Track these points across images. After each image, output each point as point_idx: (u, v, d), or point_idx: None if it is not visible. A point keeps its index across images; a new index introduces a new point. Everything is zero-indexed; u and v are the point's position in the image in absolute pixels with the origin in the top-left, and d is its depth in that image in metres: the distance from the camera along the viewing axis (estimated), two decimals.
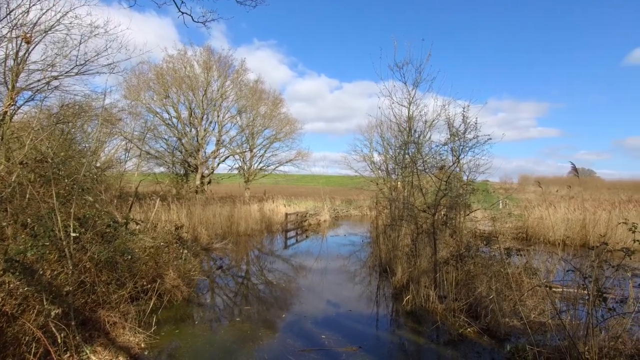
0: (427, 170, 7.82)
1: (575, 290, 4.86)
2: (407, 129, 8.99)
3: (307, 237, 14.64)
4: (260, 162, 23.18)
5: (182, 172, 20.50)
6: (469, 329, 5.09)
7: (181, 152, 19.92)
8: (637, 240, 3.89)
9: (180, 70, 18.87)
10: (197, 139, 19.80)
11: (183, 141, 19.64)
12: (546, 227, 12.33)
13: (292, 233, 15.21)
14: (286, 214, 15.61)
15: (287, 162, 23.56)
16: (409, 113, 8.90)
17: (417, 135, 8.75)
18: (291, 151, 23.45)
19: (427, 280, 6.50)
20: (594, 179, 40.36)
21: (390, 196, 10.56)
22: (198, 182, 19.50)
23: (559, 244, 9.12)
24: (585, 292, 4.15)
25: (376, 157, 18.48)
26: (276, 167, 23.61)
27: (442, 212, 7.82)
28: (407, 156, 8.99)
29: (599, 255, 4.16)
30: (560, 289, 5.71)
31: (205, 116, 20.08)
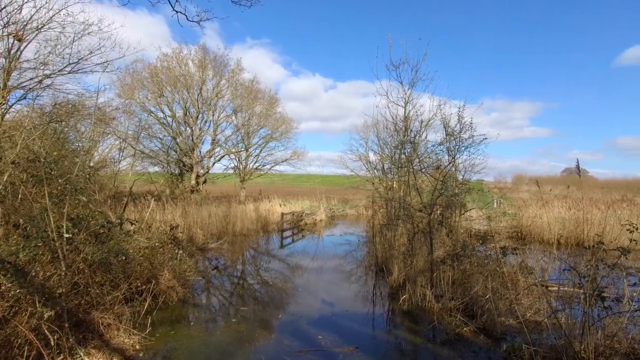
0: (423, 170, 7.84)
1: (572, 289, 4.90)
2: (404, 128, 9.01)
3: (303, 236, 14.61)
4: (256, 162, 23.09)
5: (177, 172, 20.35)
6: (465, 329, 5.10)
7: (176, 152, 19.78)
8: (634, 240, 3.91)
9: (175, 68, 18.72)
10: (192, 138, 19.67)
11: (178, 140, 19.49)
12: (540, 226, 12.42)
13: (288, 233, 15.17)
14: (282, 214, 15.56)
15: (282, 161, 23.52)
16: (405, 112, 8.92)
17: (413, 135, 8.76)
18: (287, 150, 23.41)
19: (423, 279, 6.51)
20: (587, 178, 40.80)
21: (386, 195, 10.57)
22: (193, 182, 19.37)
23: (553, 242, 9.20)
24: (581, 291, 4.18)
25: (372, 157, 18.53)
26: (272, 166, 23.54)
27: (438, 212, 7.85)
28: (403, 156, 9.00)
29: (595, 254, 4.18)
30: (555, 288, 5.75)
31: (200, 115, 19.95)
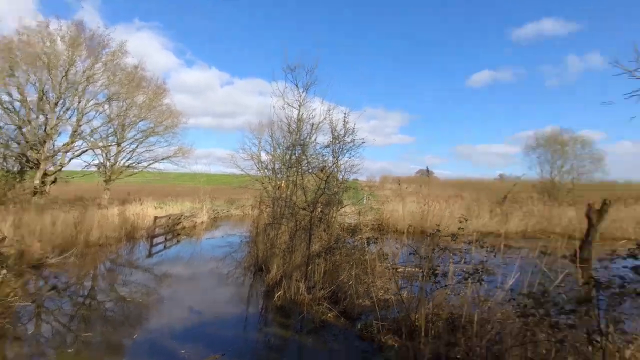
0: (310, 170, 8.14)
1: (414, 269, 5.77)
2: (297, 130, 9.19)
3: (178, 241, 13.35)
4: (129, 158, 19.89)
5: (15, 169, 15.88)
6: (329, 314, 5.42)
7: (19, 144, 15.44)
8: (462, 228, 4.86)
9: (37, 44, 14.64)
10: (45, 128, 15.69)
11: (24, 130, 15.28)
12: (396, 218, 14.54)
13: (160, 239, 13.55)
14: (155, 218, 13.84)
15: (164, 158, 20.87)
16: (299, 115, 9.13)
17: (304, 137, 9.03)
18: (171, 147, 20.89)
19: (299, 274, 6.67)
20: (433, 178, 50.06)
21: (274, 195, 10.56)
22: (37, 182, 15.41)
23: (404, 232, 10.79)
24: (420, 270, 4.94)
25: (264, 156, 18.35)
26: (150, 164, 20.64)
27: (319, 209, 8.23)
28: (293, 156, 9.17)
29: (433, 239, 5.00)
30: (402, 269, 6.69)
31: (61, 101, 16.09)
